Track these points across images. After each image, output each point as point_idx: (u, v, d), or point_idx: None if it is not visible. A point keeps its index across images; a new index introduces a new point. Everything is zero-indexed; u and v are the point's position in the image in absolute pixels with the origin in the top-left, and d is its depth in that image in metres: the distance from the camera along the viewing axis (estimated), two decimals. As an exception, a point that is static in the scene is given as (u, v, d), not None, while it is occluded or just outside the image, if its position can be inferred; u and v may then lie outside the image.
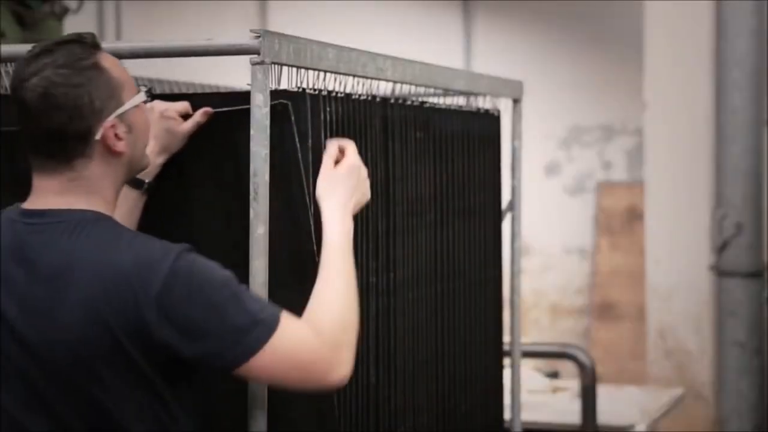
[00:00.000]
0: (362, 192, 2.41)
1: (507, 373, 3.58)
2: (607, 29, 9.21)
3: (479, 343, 3.32)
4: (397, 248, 2.79)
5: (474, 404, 3.28)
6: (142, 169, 2.32)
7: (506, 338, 3.58)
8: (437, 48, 9.35)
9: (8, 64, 2.76)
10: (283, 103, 2.37)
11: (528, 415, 4.42)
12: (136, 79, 3.26)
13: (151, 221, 2.47)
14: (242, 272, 2.23)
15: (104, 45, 2.24)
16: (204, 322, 2.06)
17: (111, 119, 2.16)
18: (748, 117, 5.66)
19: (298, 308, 2.20)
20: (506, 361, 3.59)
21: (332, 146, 2.40)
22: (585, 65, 9.33)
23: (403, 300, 2.83)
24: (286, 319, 2.13)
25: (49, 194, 2.17)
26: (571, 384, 5.29)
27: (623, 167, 9.29)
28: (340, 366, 2.16)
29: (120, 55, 2.44)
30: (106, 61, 2.18)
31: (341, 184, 2.36)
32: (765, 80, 5.69)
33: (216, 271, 2.12)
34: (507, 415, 3.61)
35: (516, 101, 3.62)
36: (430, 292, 3.00)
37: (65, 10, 4.72)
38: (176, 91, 3.69)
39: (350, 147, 2.41)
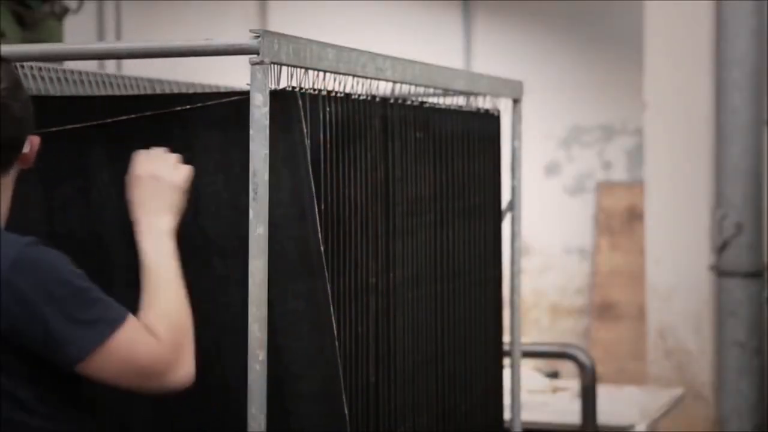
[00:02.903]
0: (168, 191, 2.36)
1: (507, 373, 3.58)
2: (607, 29, 9.22)
3: (479, 343, 3.32)
4: (397, 248, 2.78)
5: (474, 404, 3.28)
6: None
7: (506, 338, 3.57)
8: (437, 48, 9.35)
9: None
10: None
11: (528, 415, 4.42)
12: (136, 79, 3.27)
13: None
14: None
15: (103, 45, 2.25)
16: (46, 314, 2.08)
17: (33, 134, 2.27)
18: (748, 117, 5.66)
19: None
20: (506, 361, 3.59)
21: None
22: (585, 65, 9.33)
23: (403, 300, 2.83)
24: (130, 320, 2.16)
25: None
26: (571, 384, 5.29)
27: (623, 167, 9.29)
28: (181, 367, 2.20)
29: (119, 56, 2.44)
30: None
31: (150, 197, 2.34)
32: (765, 80, 5.68)
33: (64, 265, 2.14)
34: (507, 415, 3.61)
35: (516, 101, 3.62)
36: (430, 292, 3.00)
37: (65, 10, 4.71)
38: (176, 90, 3.69)
39: (139, 159, 2.38)
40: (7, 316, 2.09)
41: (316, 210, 2.38)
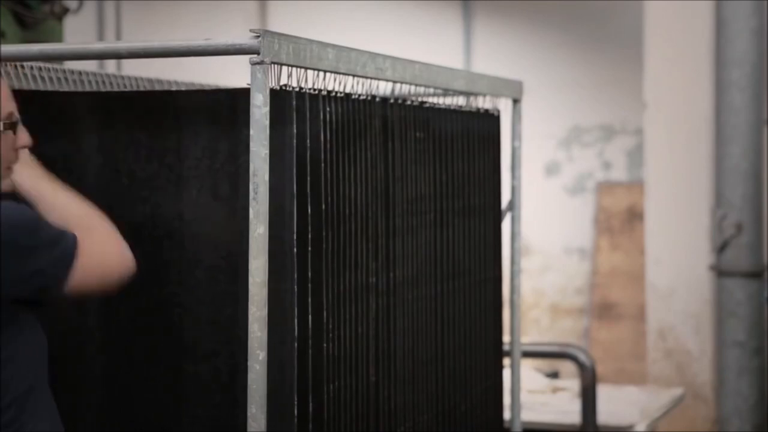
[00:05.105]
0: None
1: (507, 373, 3.58)
2: (607, 29, 9.21)
3: (479, 343, 3.32)
4: (397, 248, 2.79)
5: (474, 404, 3.28)
6: None
7: (506, 338, 3.58)
8: (437, 48, 9.35)
9: (8, 64, 2.77)
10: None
11: (528, 415, 4.42)
12: (136, 79, 3.27)
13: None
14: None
15: (103, 45, 2.25)
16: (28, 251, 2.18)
17: None
18: (748, 117, 5.66)
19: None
20: (506, 361, 3.59)
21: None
22: (585, 65, 9.32)
23: (403, 300, 2.83)
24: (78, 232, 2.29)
25: None
26: (571, 384, 5.29)
27: (623, 167, 9.28)
28: (129, 259, 2.35)
29: (119, 56, 2.45)
30: None
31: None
32: (765, 80, 5.69)
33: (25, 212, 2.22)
34: (507, 415, 3.61)
35: (516, 101, 3.62)
36: (430, 292, 3.00)
37: (65, 10, 4.71)
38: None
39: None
40: None
41: (295, 213, 2.39)
